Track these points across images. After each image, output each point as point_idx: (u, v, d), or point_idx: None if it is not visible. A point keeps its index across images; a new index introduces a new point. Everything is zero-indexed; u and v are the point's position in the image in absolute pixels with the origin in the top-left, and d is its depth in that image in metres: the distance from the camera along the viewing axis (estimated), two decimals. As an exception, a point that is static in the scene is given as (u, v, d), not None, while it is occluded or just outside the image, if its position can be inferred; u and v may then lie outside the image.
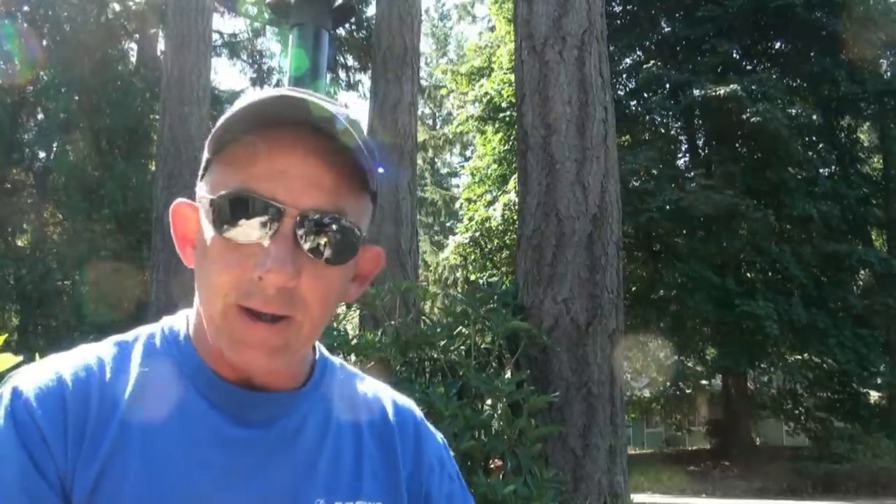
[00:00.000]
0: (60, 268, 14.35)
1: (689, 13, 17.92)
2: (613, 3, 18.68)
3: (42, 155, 16.47)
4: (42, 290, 14.19)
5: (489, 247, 17.75)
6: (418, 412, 0.89)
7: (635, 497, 5.02)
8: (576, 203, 4.55)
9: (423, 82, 25.07)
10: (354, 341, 3.96)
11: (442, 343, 4.00)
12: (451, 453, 0.90)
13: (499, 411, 3.70)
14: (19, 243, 16.89)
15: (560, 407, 4.15)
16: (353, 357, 3.85)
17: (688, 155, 19.75)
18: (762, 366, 17.62)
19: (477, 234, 17.43)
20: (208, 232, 0.71)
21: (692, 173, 18.46)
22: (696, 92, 15.94)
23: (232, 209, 0.68)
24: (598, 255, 4.49)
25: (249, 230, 0.68)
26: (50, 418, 0.67)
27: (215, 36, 16.08)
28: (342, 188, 0.71)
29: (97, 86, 14.87)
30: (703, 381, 20.03)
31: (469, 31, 51.54)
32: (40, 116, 16.15)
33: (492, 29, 21.66)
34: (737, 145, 18.05)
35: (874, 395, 18.89)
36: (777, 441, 21.26)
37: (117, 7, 16.65)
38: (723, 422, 19.75)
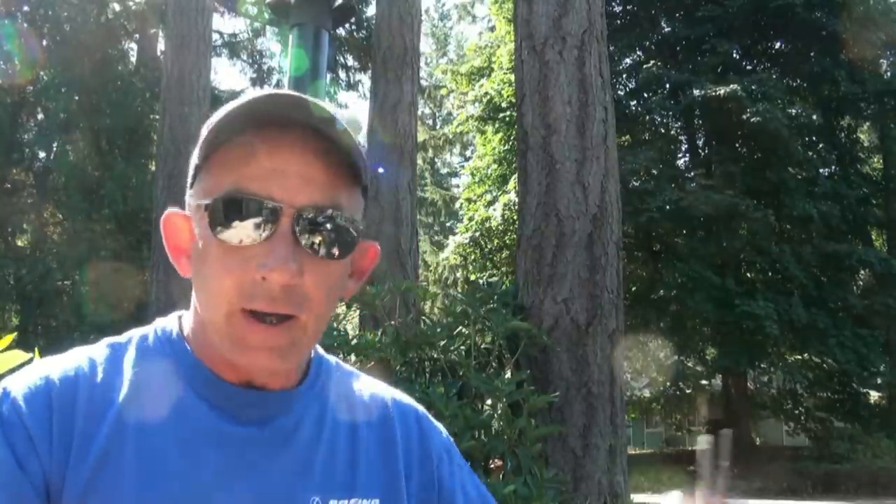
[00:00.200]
0: (60, 268, 14.35)
1: (689, 13, 17.91)
2: (613, 3, 18.67)
3: (42, 155, 16.48)
4: (42, 290, 14.20)
5: (489, 247, 17.74)
6: (419, 407, 0.89)
7: (635, 497, 5.02)
8: (576, 203, 4.55)
9: (423, 82, 25.07)
10: (354, 341, 3.96)
11: (442, 343, 4.00)
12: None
13: (499, 411, 3.70)
14: (19, 243, 16.89)
15: (560, 407, 4.15)
16: (353, 357, 3.86)
17: (688, 155, 19.75)
18: (762, 366, 17.62)
19: (477, 234, 17.42)
20: (205, 238, 0.71)
21: (692, 173, 18.45)
22: (696, 92, 15.94)
23: (228, 211, 0.68)
24: (598, 255, 4.49)
25: (247, 231, 0.68)
26: (36, 417, 0.67)
27: (215, 36, 16.09)
28: (336, 183, 0.71)
29: (97, 86, 14.88)
30: (703, 381, 20.03)
31: (469, 31, 51.56)
32: (40, 116, 16.15)
33: (492, 29, 21.65)
34: (737, 145, 18.04)
35: (874, 395, 18.88)
36: (777, 441, 21.27)
37: (117, 7, 16.65)
38: (723, 422, 19.72)
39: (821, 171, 17.69)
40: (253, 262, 0.68)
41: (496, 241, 17.55)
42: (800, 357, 17.53)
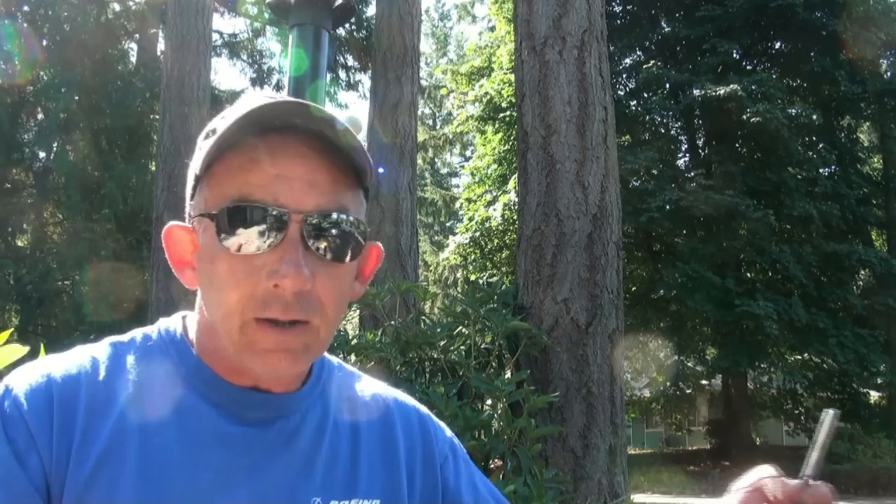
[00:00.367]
0: (60, 268, 14.35)
1: (689, 13, 17.92)
2: (613, 3, 18.67)
3: (42, 155, 16.48)
4: (42, 290, 14.20)
5: (489, 247, 17.74)
6: (422, 408, 0.89)
7: (635, 497, 5.02)
8: (576, 203, 4.55)
9: (423, 82, 25.07)
10: (354, 341, 3.96)
11: (442, 343, 4.00)
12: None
13: (499, 411, 3.70)
14: (19, 243, 16.89)
15: (560, 407, 4.15)
16: (353, 357, 3.86)
17: (688, 155, 19.75)
18: (762, 366, 17.62)
19: (477, 234, 17.42)
20: (211, 248, 0.70)
21: (692, 173, 18.46)
22: (696, 92, 15.94)
23: (235, 220, 0.68)
24: (598, 255, 4.48)
25: (256, 239, 0.68)
26: (37, 414, 0.67)
27: (215, 36, 16.09)
28: (339, 185, 0.71)
29: (97, 86, 14.88)
30: (703, 381, 20.05)
31: (469, 31, 51.55)
32: (40, 116, 16.14)
33: (492, 29, 21.67)
34: (737, 145, 18.05)
35: (874, 395, 18.90)
36: (777, 441, 21.27)
37: (117, 7, 16.66)
38: (723, 422, 19.75)
39: (821, 171, 17.69)
40: (263, 270, 0.67)
41: (496, 241, 17.56)
42: (800, 357, 17.53)
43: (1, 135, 14.32)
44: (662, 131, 19.17)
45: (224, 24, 22.04)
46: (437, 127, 28.96)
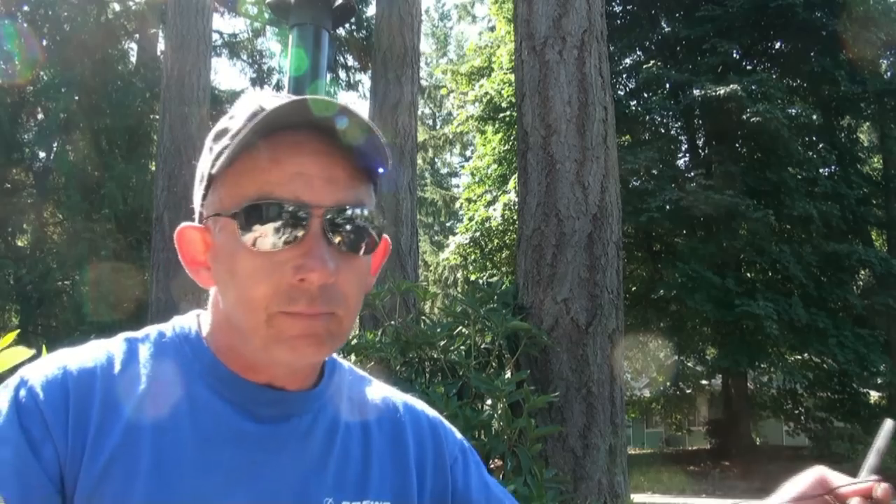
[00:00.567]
0: (60, 268, 14.35)
1: (689, 13, 17.91)
2: (613, 3, 18.67)
3: (42, 155, 16.47)
4: (42, 290, 14.20)
5: (489, 247, 17.74)
6: (432, 411, 0.90)
7: (635, 497, 5.02)
8: (576, 203, 4.55)
9: (423, 82, 25.07)
10: (354, 341, 3.96)
11: (442, 343, 4.00)
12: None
13: (499, 411, 3.70)
14: (19, 243, 16.88)
15: (560, 407, 4.15)
16: (352, 357, 3.86)
17: (688, 155, 19.75)
18: (762, 366, 17.61)
19: (477, 234, 17.42)
20: (231, 247, 0.71)
21: (692, 173, 18.46)
22: (696, 92, 15.94)
23: (257, 218, 0.69)
24: (598, 255, 4.48)
25: (279, 236, 0.69)
26: (52, 404, 0.68)
27: (215, 36, 16.09)
28: (355, 180, 0.73)
29: (97, 86, 14.87)
30: (703, 381, 20.04)
31: (469, 31, 51.55)
32: (40, 116, 16.14)
33: (492, 29, 21.66)
34: (737, 145, 18.04)
35: (874, 395, 18.88)
36: (777, 441, 21.28)
37: (117, 7, 16.65)
38: (723, 422, 19.75)
39: (821, 171, 17.69)
40: (287, 265, 0.69)
41: (496, 241, 17.56)
42: (800, 357, 17.53)
43: (1, 135, 14.31)
44: (662, 131, 19.17)
45: (224, 24, 22.07)
46: (437, 127, 28.96)
